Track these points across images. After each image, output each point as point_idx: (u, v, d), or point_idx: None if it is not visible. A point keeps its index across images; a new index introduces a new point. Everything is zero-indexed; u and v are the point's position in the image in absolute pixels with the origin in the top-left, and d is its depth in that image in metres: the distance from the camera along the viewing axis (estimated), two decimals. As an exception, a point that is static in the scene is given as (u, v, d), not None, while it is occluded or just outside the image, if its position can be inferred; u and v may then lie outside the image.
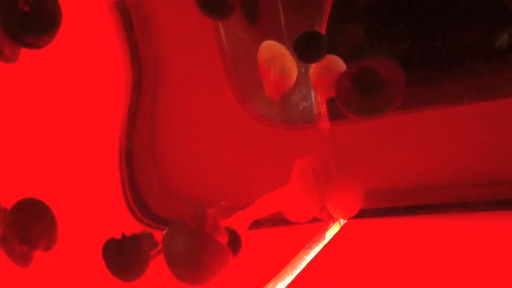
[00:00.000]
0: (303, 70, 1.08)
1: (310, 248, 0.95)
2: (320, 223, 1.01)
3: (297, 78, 0.94)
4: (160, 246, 0.62)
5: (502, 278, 0.71)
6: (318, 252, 0.95)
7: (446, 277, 0.75)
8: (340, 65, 0.84)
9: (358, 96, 0.62)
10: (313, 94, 1.09)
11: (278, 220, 0.92)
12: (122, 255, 0.58)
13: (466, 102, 0.97)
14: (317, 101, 1.09)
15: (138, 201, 0.82)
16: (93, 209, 0.69)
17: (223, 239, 0.60)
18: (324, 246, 0.98)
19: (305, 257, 0.92)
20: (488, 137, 0.95)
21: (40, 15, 0.52)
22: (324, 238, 1.00)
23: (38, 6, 0.52)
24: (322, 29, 1.05)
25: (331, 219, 1.05)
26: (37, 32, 0.53)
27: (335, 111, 1.08)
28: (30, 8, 0.51)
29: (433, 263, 0.80)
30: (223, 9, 0.75)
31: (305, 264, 0.90)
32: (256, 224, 0.87)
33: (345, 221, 1.08)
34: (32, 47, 0.54)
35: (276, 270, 0.85)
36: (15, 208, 0.54)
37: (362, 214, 1.07)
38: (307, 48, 0.77)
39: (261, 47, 0.79)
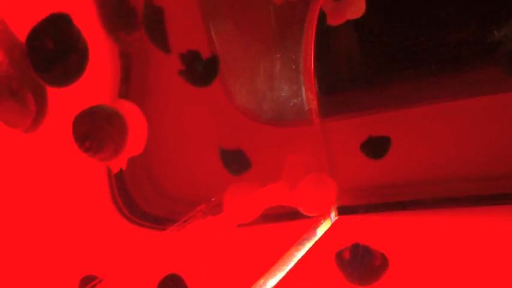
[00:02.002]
0: (293, 67, 1.08)
1: (301, 244, 0.94)
2: (311, 219, 1.00)
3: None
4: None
5: (493, 273, 0.71)
6: (309, 249, 0.94)
7: (439, 273, 0.75)
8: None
9: (355, 268, 0.75)
10: (304, 90, 1.08)
11: (268, 216, 0.92)
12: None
13: (458, 98, 0.97)
14: (308, 98, 1.09)
15: (126, 198, 0.81)
16: (79, 207, 0.68)
17: None
18: (315, 242, 0.97)
19: (296, 253, 0.92)
20: (479, 132, 0.95)
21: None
22: (315, 234, 0.99)
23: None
24: (312, 29, 1.05)
25: (323, 216, 1.04)
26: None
27: (326, 108, 1.08)
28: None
29: (426, 259, 0.80)
30: (206, 80, 0.80)
31: (296, 261, 0.90)
32: (247, 221, 0.86)
33: (336, 218, 1.08)
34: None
35: (267, 266, 0.85)
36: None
37: (354, 210, 1.07)
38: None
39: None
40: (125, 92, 0.84)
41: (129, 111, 0.65)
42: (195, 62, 0.78)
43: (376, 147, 0.99)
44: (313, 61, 1.07)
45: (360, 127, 1.08)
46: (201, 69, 0.79)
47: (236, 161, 0.87)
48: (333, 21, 0.85)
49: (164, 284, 0.66)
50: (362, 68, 1.09)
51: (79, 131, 0.54)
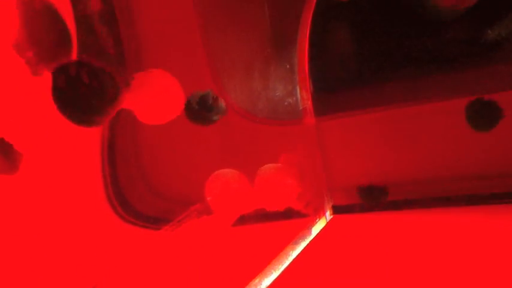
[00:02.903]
0: (288, 66, 1.08)
1: (297, 243, 0.94)
2: (306, 218, 1.00)
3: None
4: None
5: (488, 272, 0.72)
6: (304, 248, 0.94)
7: (431, 271, 0.75)
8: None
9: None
10: (298, 90, 1.08)
11: (264, 215, 0.92)
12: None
13: (450, 98, 0.97)
14: (303, 97, 1.09)
15: (121, 198, 0.81)
16: (74, 206, 0.67)
17: None
18: (310, 241, 0.97)
19: (291, 252, 0.92)
20: (475, 132, 0.95)
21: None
22: (310, 233, 0.99)
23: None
24: (306, 29, 1.05)
25: (318, 215, 1.05)
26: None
27: (321, 107, 1.09)
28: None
29: (419, 258, 0.81)
30: (209, 120, 0.83)
31: (291, 260, 0.90)
32: (242, 220, 0.86)
33: (331, 216, 1.08)
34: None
35: (262, 265, 0.85)
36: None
37: (348, 209, 1.07)
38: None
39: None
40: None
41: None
42: (206, 105, 0.79)
43: (373, 194, 1.01)
44: (308, 60, 1.07)
45: (354, 126, 1.08)
46: (203, 112, 0.80)
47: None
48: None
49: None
50: (357, 67, 1.09)
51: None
